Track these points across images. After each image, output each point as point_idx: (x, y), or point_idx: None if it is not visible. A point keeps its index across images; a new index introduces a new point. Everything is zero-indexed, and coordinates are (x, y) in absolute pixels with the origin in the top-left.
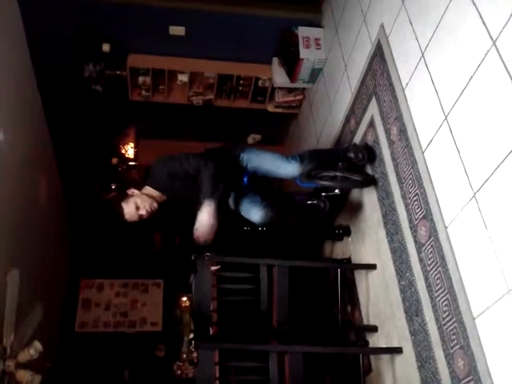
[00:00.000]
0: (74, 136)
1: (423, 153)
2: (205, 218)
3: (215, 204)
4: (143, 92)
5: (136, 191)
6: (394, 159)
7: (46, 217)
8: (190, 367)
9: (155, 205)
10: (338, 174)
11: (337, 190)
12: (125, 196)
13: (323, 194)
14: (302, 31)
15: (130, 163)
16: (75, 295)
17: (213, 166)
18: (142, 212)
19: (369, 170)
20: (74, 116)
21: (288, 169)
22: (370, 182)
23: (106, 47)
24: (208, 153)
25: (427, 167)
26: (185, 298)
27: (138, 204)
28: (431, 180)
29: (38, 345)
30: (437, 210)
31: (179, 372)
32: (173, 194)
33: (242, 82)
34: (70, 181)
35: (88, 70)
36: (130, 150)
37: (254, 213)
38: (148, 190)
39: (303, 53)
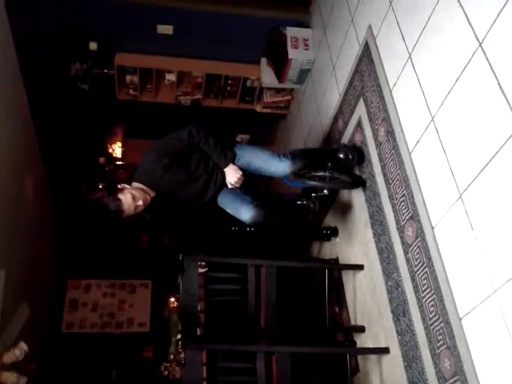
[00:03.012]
0: (61, 135)
1: (410, 154)
2: (233, 176)
3: (231, 162)
4: (131, 91)
5: (127, 185)
6: (381, 160)
7: (32, 217)
8: (177, 368)
9: (148, 198)
10: (328, 174)
11: (325, 191)
12: (118, 189)
13: (313, 194)
14: (291, 31)
15: (118, 163)
16: (62, 296)
17: (211, 136)
18: (139, 203)
19: (356, 171)
20: (60, 115)
21: (279, 167)
22: (359, 183)
23: (93, 46)
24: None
25: (414, 168)
26: (173, 299)
27: (134, 195)
28: (418, 181)
29: (23, 345)
30: (423, 210)
31: (166, 373)
32: (164, 186)
33: (230, 81)
34: (57, 180)
35: (75, 68)
36: (117, 150)
37: (244, 212)
38: (137, 185)
39: (292, 53)
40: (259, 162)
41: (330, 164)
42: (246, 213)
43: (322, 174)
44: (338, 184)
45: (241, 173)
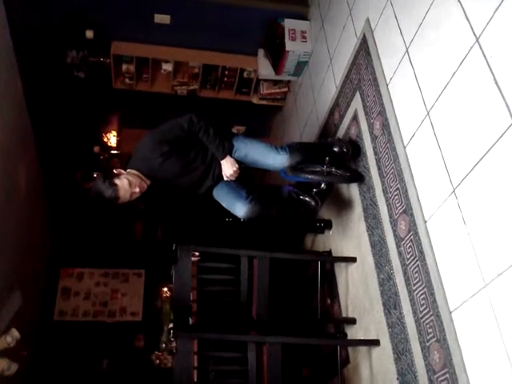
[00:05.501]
0: (56, 123)
1: (405, 148)
2: (230, 169)
3: (228, 154)
4: (127, 80)
5: (123, 171)
6: (376, 153)
7: (25, 204)
8: (168, 357)
9: (145, 185)
10: (325, 168)
11: (323, 185)
12: (114, 174)
13: (314, 190)
14: (289, 23)
15: (112, 152)
16: (55, 284)
17: (211, 126)
18: (136, 190)
19: (351, 165)
20: (55, 102)
21: (277, 160)
22: (357, 177)
23: (89, 34)
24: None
25: (408, 162)
26: (165, 289)
27: (131, 181)
28: (412, 175)
29: (15, 332)
30: (417, 204)
31: (158, 362)
32: (161, 175)
33: (227, 72)
34: (51, 169)
35: (71, 56)
36: (112, 139)
37: (239, 208)
38: (133, 172)
39: (289, 45)
40: (256, 155)
41: (327, 158)
42: (240, 208)
43: (319, 168)
44: (336, 178)
45: (237, 166)
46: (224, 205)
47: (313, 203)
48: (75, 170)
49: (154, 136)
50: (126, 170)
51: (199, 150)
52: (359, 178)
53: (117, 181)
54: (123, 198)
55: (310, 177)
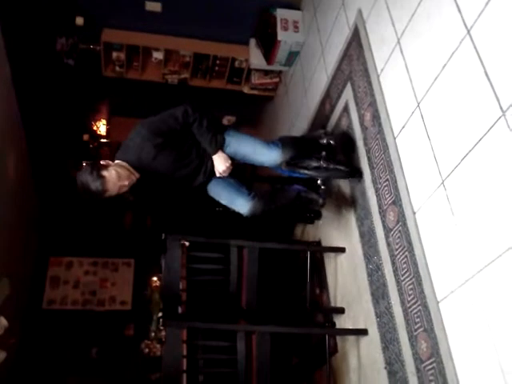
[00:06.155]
0: (45, 110)
1: (395, 139)
2: (222, 165)
3: (219, 149)
4: (117, 68)
5: (111, 162)
6: (366, 144)
7: (13, 192)
8: (158, 346)
9: (134, 178)
10: (323, 163)
11: (319, 181)
12: (102, 166)
13: (322, 187)
14: (281, 13)
15: (102, 140)
16: (43, 272)
17: (205, 118)
18: (125, 183)
19: (343, 158)
20: (44, 90)
21: (270, 156)
22: (356, 172)
23: (79, 21)
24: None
25: (398, 153)
26: (155, 278)
27: (119, 173)
28: (402, 166)
29: (3, 320)
30: (406, 195)
31: (147, 350)
32: (152, 167)
33: (218, 62)
34: (40, 157)
35: (60, 43)
36: (101, 127)
37: (242, 204)
38: (122, 163)
39: (281, 35)
40: (248, 151)
41: (324, 153)
42: (243, 205)
43: (316, 163)
44: (334, 173)
45: (230, 161)
46: (223, 201)
47: (320, 201)
48: (64, 158)
49: (148, 126)
50: (113, 160)
51: (193, 143)
52: (358, 173)
53: (105, 172)
54: (111, 191)
55: (307, 172)
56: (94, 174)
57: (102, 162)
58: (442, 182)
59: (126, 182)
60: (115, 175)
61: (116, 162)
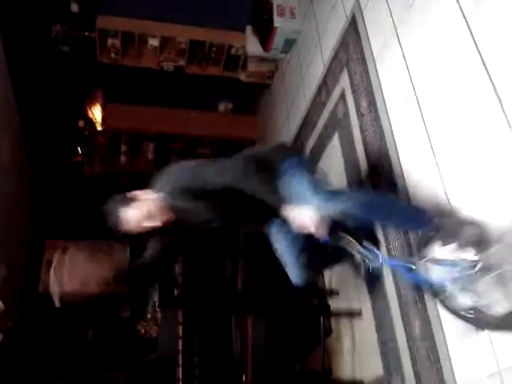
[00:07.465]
0: (40, 97)
1: (391, 126)
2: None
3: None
4: (112, 55)
5: (142, 195)
6: (362, 131)
7: (8, 176)
8: (154, 326)
9: (165, 219)
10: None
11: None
12: (129, 199)
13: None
14: None
15: (97, 129)
16: (39, 256)
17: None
18: (152, 224)
19: (338, 152)
20: (40, 76)
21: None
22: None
23: (74, 7)
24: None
25: (395, 140)
26: None
27: (151, 212)
28: (397, 152)
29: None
30: (402, 181)
31: (143, 331)
32: (188, 215)
33: (214, 49)
34: (35, 142)
35: (55, 30)
36: (97, 114)
37: (297, 276)
38: (160, 199)
39: (277, 21)
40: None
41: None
42: (298, 277)
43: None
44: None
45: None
46: (282, 260)
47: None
48: (60, 144)
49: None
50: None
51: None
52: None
53: (134, 206)
54: (125, 229)
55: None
56: (122, 202)
57: (131, 195)
58: (439, 171)
59: (155, 224)
60: (140, 214)
61: (154, 195)
